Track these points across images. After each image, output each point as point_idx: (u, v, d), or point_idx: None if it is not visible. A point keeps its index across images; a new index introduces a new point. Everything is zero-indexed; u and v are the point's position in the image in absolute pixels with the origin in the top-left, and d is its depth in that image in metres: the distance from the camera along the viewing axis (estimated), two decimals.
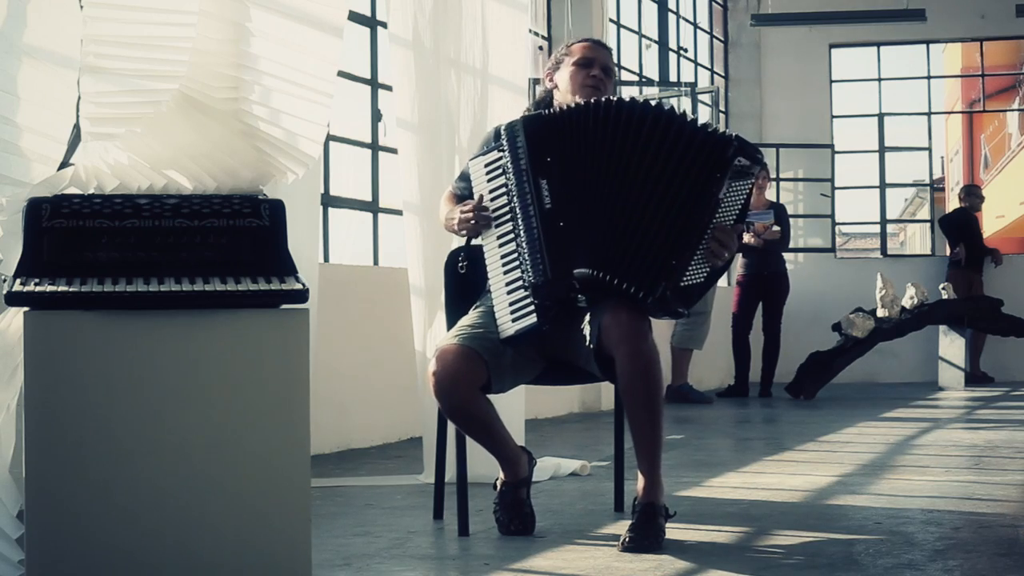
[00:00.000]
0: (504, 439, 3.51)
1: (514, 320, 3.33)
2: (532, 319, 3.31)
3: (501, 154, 3.41)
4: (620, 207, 3.30)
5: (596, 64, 3.64)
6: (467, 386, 3.34)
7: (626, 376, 3.28)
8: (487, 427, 3.45)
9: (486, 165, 3.45)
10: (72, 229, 2.67)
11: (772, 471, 5.00)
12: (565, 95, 3.64)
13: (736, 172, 3.28)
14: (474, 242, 3.61)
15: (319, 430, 3.73)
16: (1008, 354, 11.31)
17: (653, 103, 3.39)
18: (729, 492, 4.36)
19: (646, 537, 3.20)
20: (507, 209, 3.39)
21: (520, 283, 3.34)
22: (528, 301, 3.31)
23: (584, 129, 3.36)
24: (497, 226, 3.40)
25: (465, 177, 3.62)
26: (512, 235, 3.37)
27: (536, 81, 9.10)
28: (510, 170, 3.38)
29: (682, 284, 3.28)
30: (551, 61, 3.74)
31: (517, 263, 3.35)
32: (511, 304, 3.34)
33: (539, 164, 3.35)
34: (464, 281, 3.67)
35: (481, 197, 3.42)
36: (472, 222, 3.43)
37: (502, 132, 3.43)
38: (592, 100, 3.40)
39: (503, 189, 3.40)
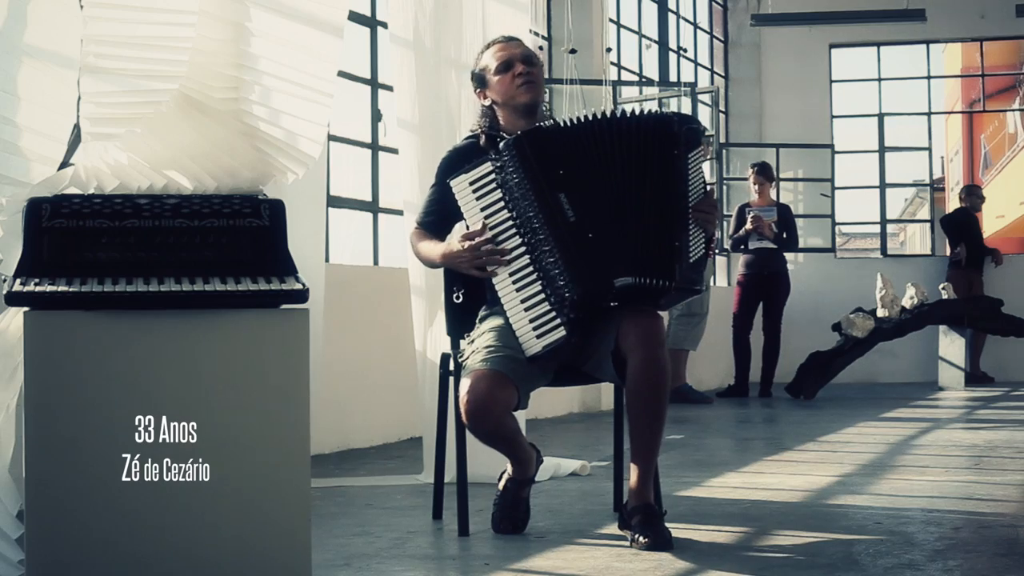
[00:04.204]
0: (521, 444, 3.52)
1: (539, 336, 3.28)
2: (560, 333, 3.27)
3: (496, 167, 3.32)
4: (619, 211, 3.32)
5: (515, 60, 3.57)
6: (500, 413, 3.32)
7: (638, 380, 3.27)
8: (510, 440, 3.46)
9: (472, 183, 3.34)
10: (72, 229, 2.67)
11: (772, 471, 4.99)
12: (507, 105, 3.56)
13: (689, 142, 3.38)
14: None
15: (319, 430, 3.72)
16: (1008, 354, 11.30)
17: (652, 107, 3.42)
18: (729, 492, 4.36)
19: (661, 535, 3.21)
20: (510, 224, 3.32)
21: (540, 297, 3.28)
22: (552, 316, 3.27)
23: (582, 144, 3.35)
24: (500, 243, 3.32)
25: (434, 202, 3.56)
26: (524, 249, 3.30)
27: None
28: (515, 181, 3.30)
29: (691, 260, 3.34)
30: (473, 81, 3.65)
31: (534, 277, 3.30)
32: (532, 321, 3.29)
33: (554, 178, 3.31)
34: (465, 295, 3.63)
35: (484, 227, 3.32)
36: (481, 257, 3.32)
37: (501, 146, 3.34)
38: (579, 115, 3.37)
39: (500, 204, 3.33)
